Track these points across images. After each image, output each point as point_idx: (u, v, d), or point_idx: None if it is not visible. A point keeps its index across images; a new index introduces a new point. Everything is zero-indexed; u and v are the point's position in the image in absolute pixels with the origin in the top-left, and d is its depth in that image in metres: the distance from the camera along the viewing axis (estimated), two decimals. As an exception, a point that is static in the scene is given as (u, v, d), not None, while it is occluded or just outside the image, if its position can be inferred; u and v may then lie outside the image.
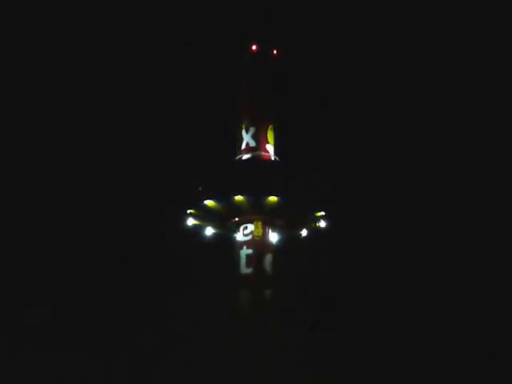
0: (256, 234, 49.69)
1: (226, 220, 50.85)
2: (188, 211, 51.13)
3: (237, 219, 50.47)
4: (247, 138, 51.82)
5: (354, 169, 62.54)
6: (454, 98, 67.54)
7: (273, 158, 51.86)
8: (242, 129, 52.24)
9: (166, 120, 65.07)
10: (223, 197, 49.43)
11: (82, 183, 62.24)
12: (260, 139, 51.68)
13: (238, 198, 48.83)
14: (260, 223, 49.83)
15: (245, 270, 49.37)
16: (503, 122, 65.83)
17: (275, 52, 54.52)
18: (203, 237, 51.72)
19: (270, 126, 52.29)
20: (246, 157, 51.49)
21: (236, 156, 51.93)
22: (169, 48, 66.70)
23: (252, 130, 51.75)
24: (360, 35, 67.56)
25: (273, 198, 48.66)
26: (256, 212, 49.47)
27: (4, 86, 64.67)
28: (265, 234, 50.04)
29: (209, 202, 50.02)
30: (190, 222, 51.40)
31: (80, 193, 61.82)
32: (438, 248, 59.38)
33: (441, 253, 58.88)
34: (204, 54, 63.47)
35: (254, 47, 54.04)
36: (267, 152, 51.72)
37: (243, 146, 52.02)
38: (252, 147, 51.63)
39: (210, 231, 51.84)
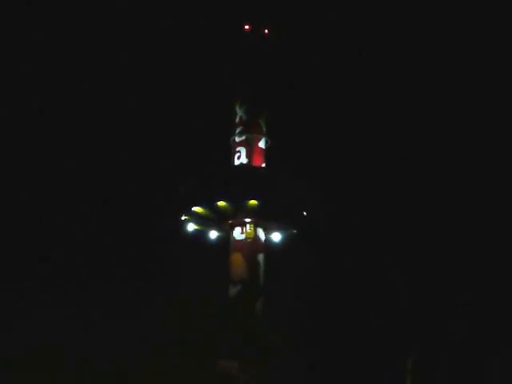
0: (248, 235, 52.46)
1: (220, 223, 53.68)
2: (183, 217, 53.97)
3: (230, 222, 53.25)
4: (240, 113, 55.11)
5: (344, 170, 64.38)
6: (452, 98, 68.78)
7: (264, 134, 54.84)
8: (236, 105, 55.60)
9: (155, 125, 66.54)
10: (207, 203, 52.27)
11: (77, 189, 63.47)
12: (252, 114, 54.90)
13: (221, 203, 51.31)
14: (252, 225, 52.66)
15: (238, 236, 52.84)
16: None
17: (267, 32, 57.03)
18: (208, 240, 54.72)
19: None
20: (238, 130, 54.60)
21: (230, 128, 55.14)
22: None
23: (245, 106, 55.00)
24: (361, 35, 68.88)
25: (253, 202, 51.11)
26: (247, 215, 52.16)
27: (4, 86, 66.06)
28: (257, 236, 52.97)
29: (197, 209, 52.72)
30: (191, 227, 54.27)
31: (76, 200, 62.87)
32: (430, 249, 61.00)
33: (434, 255, 60.39)
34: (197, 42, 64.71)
35: (246, 27, 56.54)
36: (259, 127, 54.91)
37: (237, 120, 55.26)
38: (244, 121, 54.56)
39: (214, 234, 54.73)
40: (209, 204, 52.06)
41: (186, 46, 65.38)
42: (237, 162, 54.46)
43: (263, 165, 54.90)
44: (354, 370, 52.81)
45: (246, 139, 54.61)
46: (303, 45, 64.09)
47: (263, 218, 52.54)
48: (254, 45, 56.48)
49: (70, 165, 64.56)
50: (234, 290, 50.94)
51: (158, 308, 47.57)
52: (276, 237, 54.43)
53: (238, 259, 52.17)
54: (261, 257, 52.76)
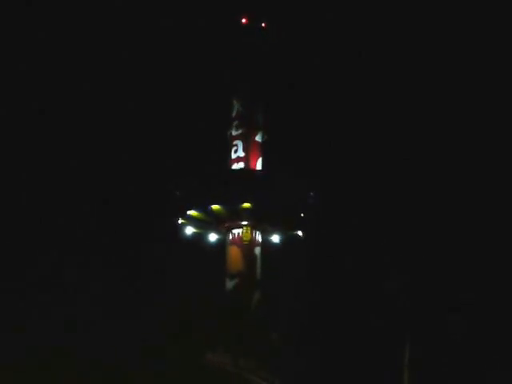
0: (245, 238, 52.52)
1: (217, 226, 53.82)
2: (180, 221, 53.84)
3: (226, 225, 53.36)
4: (237, 106, 55.64)
5: (344, 170, 64.17)
6: (452, 98, 68.57)
7: (261, 128, 55.23)
8: (233, 98, 56.32)
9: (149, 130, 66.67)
10: (201, 206, 52.36)
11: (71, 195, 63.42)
12: (249, 108, 55.60)
13: (215, 207, 51.29)
14: (249, 228, 52.65)
15: (236, 230, 53.07)
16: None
17: (264, 25, 57.30)
18: (207, 243, 54.93)
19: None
20: (235, 123, 55.00)
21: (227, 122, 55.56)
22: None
23: (242, 100, 55.78)
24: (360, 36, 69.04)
25: (247, 205, 51.05)
26: (243, 218, 52.25)
27: (4, 86, 66.13)
28: (253, 239, 53.07)
29: (192, 212, 52.82)
30: (189, 230, 54.23)
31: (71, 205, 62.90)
32: (430, 249, 60.09)
33: (434, 255, 59.42)
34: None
35: (243, 20, 56.79)
36: (256, 121, 55.44)
37: (234, 113, 55.75)
38: (241, 114, 55.29)
39: (213, 237, 54.81)
40: (203, 208, 52.26)
41: (186, 46, 65.78)
42: (234, 156, 54.77)
43: (260, 159, 55.10)
44: (353, 369, 52.86)
45: (243, 133, 54.73)
46: (303, 44, 64.61)
47: (259, 221, 52.88)
48: (254, 44, 56.79)
49: (70, 165, 64.62)
50: (231, 284, 51.31)
51: (157, 308, 48.04)
52: (275, 238, 54.42)
53: (235, 253, 52.26)
54: (257, 250, 53.08)
